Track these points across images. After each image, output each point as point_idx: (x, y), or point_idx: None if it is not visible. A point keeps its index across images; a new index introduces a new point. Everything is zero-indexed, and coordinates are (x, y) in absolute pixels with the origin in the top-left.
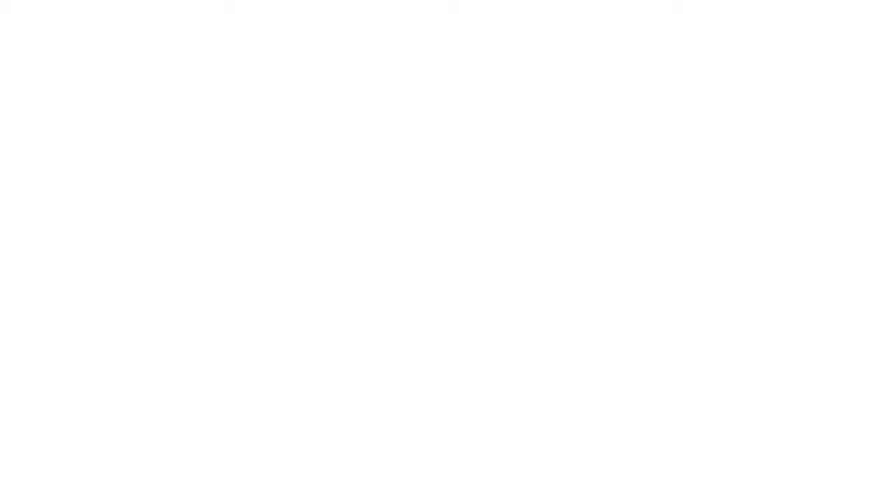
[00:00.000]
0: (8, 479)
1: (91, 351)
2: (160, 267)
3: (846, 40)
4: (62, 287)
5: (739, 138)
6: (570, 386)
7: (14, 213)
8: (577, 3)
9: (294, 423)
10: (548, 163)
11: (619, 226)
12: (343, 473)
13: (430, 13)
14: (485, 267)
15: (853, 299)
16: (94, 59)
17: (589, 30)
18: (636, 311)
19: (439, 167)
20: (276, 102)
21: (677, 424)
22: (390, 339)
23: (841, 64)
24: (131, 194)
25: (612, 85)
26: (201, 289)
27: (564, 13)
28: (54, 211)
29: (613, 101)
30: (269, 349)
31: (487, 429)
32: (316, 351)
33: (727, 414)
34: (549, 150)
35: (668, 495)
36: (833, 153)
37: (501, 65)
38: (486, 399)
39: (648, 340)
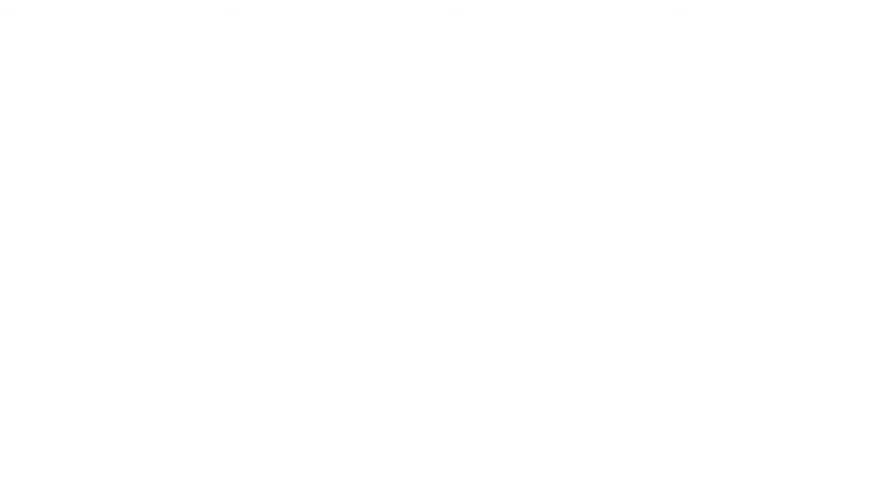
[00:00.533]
0: (8, 479)
1: (91, 351)
2: (160, 267)
3: (846, 41)
4: (62, 287)
5: (739, 139)
6: (570, 386)
7: (14, 213)
8: (577, 4)
9: (294, 423)
10: (548, 163)
11: (620, 226)
12: (343, 473)
13: (430, 13)
14: (485, 267)
15: (853, 299)
16: (94, 59)
17: (589, 30)
18: (636, 311)
19: (439, 167)
20: (277, 102)
21: (677, 424)
22: (390, 338)
23: (841, 65)
24: (132, 194)
25: (612, 85)
26: (201, 289)
27: (564, 13)
28: (54, 211)
29: (613, 101)
30: (269, 349)
31: (487, 429)
32: (316, 351)
33: (727, 414)
34: (549, 150)
35: (668, 495)
36: (833, 154)
37: (501, 65)
38: (486, 399)
39: (648, 340)
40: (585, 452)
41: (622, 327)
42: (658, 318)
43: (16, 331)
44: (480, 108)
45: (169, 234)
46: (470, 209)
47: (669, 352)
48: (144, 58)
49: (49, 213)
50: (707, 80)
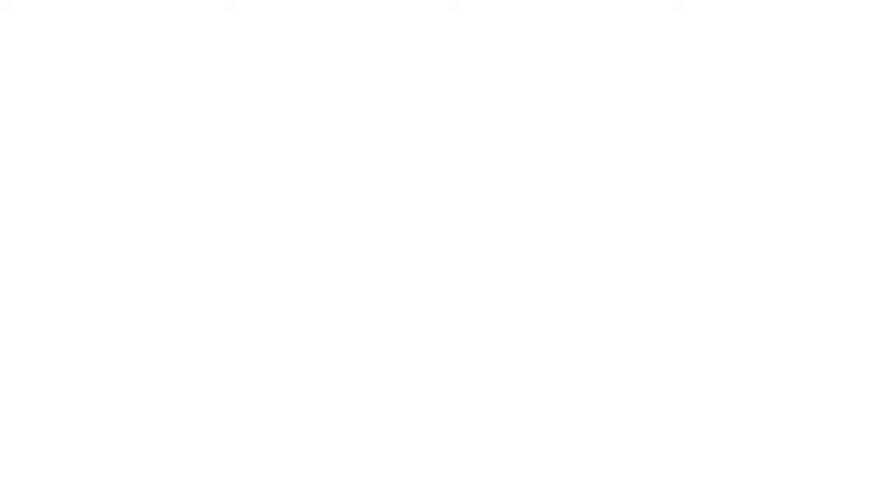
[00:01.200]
0: (8, 479)
1: (91, 351)
2: (160, 267)
3: (846, 39)
4: (62, 287)
5: (739, 137)
6: (570, 386)
7: (14, 212)
8: (577, 2)
9: (294, 423)
10: (548, 162)
11: (620, 225)
12: (343, 473)
13: (429, 12)
14: (485, 267)
15: (853, 299)
16: (93, 57)
17: (589, 28)
18: (636, 311)
19: (439, 166)
20: (276, 101)
21: (677, 425)
22: (390, 339)
23: (841, 63)
24: (131, 193)
25: (611, 84)
26: (202, 289)
27: (564, 11)
28: (54, 211)
29: (613, 99)
30: (269, 349)
31: (487, 429)
32: (316, 351)
33: (727, 414)
34: (549, 148)
35: (668, 495)
36: (833, 153)
37: (501, 63)
38: (486, 399)
39: (648, 340)
40: (585, 453)
41: (622, 327)
42: (658, 318)
43: (16, 331)
44: (480, 106)
45: (169, 233)
46: (470, 209)
47: (669, 352)
48: (144, 56)
49: (49, 213)
50: (707, 79)
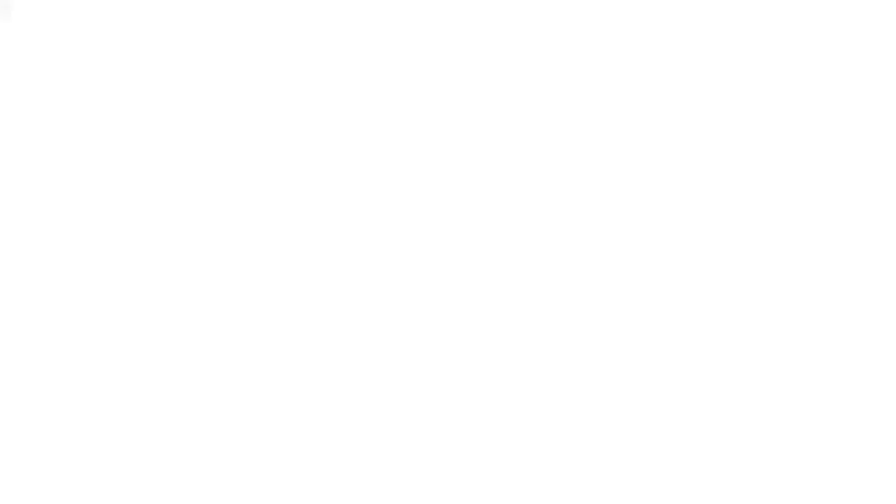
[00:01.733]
0: (8, 479)
1: (91, 351)
2: (160, 267)
3: (847, 39)
4: (62, 287)
5: (739, 136)
6: (570, 386)
7: (14, 213)
8: (577, 2)
9: (294, 423)
10: (547, 161)
11: (620, 225)
12: (343, 473)
13: (429, 11)
14: (485, 267)
15: (853, 299)
16: (93, 57)
17: (588, 28)
18: (636, 311)
19: (439, 165)
20: (275, 100)
21: (677, 425)
22: (390, 338)
23: (842, 63)
24: (130, 193)
25: (611, 83)
26: (201, 289)
27: (564, 11)
28: (54, 211)
29: (613, 98)
30: (269, 349)
31: (487, 429)
32: (316, 350)
33: (727, 414)
34: (548, 147)
35: (668, 495)
36: (833, 153)
37: (500, 62)
38: (487, 399)
39: (648, 340)
40: (586, 453)
41: (622, 328)
42: (658, 319)
43: (16, 331)
44: (479, 105)
45: (169, 233)
46: (470, 208)
47: (670, 352)
48: (143, 55)
49: (49, 213)
50: (706, 77)
